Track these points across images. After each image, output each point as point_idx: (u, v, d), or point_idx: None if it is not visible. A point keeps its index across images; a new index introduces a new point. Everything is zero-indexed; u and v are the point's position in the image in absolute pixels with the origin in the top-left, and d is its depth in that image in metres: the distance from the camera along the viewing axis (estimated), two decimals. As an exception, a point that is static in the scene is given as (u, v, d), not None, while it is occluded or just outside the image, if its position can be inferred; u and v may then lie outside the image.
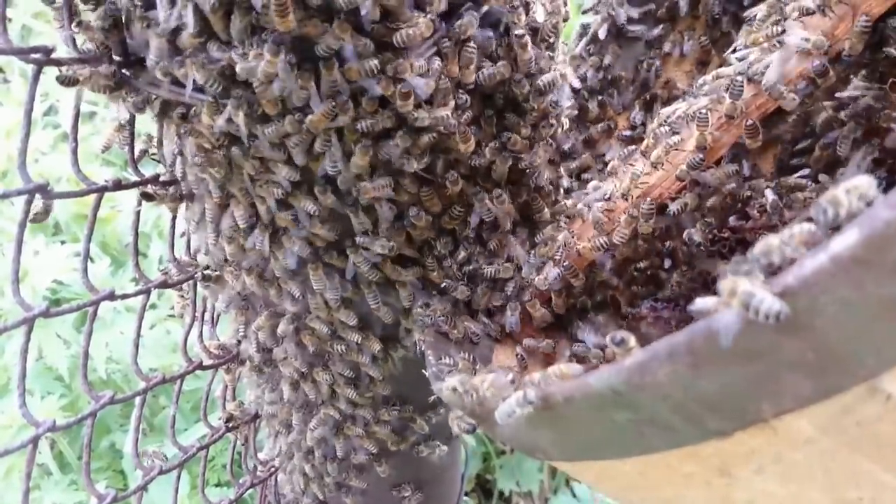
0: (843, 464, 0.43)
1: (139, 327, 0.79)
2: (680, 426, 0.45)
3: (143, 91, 0.63)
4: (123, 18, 0.60)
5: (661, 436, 0.47)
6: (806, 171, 0.72)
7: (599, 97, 0.92)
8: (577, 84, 0.91)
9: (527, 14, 0.64)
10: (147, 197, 0.73)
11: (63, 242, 1.77)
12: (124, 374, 1.68)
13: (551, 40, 0.67)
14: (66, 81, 0.60)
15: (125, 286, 1.65)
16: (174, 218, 0.84)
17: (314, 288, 0.72)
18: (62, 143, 1.94)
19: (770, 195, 0.68)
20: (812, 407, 0.40)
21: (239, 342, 0.86)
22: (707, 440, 0.45)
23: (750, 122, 0.64)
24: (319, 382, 0.81)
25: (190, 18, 0.55)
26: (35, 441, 0.72)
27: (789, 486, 0.46)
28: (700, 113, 0.65)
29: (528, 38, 0.61)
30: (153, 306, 1.74)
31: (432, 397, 0.88)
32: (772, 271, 0.39)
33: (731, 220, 0.74)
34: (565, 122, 0.79)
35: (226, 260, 0.75)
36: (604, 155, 0.91)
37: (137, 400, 0.82)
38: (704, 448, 0.46)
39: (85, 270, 0.72)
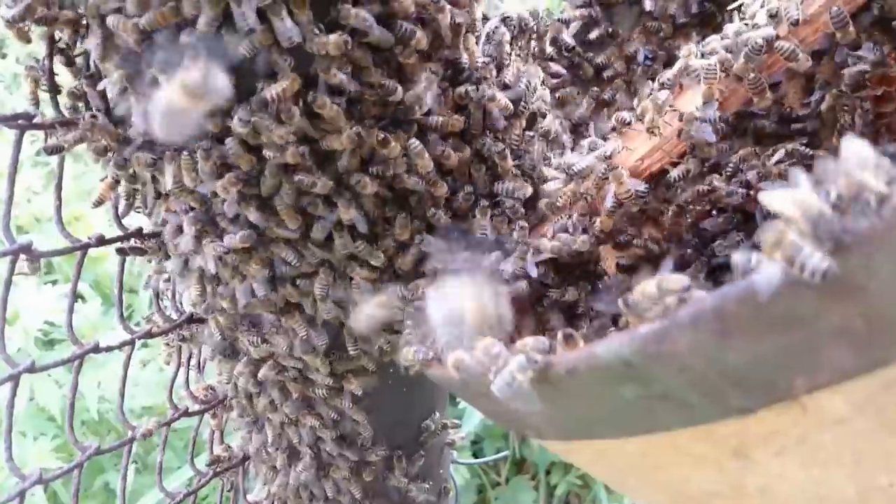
0: (876, 446, 0.39)
1: (125, 377, 0.80)
2: (697, 402, 0.40)
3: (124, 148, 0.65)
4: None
5: (674, 413, 0.42)
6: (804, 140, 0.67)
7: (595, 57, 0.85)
8: (570, 42, 0.85)
9: (499, 72, 0.66)
10: (124, 252, 0.74)
11: (55, 282, 1.77)
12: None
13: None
14: (53, 150, 0.60)
15: (116, 326, 1.65)
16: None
17: (298, 335, 0.73)
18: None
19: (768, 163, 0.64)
20: (850, 382, 0.36)
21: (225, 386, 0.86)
22: (726, 418, 0.40)
23: (753, 75, 0.61)
24: (303, 426, 0.81)
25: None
26: (22, 494, 0.72)
27: (812, 470, 0.41)
28: (708, 67, 0.63)
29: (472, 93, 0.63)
30: (145, 345, 1.74)
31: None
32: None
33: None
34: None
35: (206, 308, 0.76)
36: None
37: (125, 449, 0.82)
38: (722, 427, 0.41)
39: (70, 325, 0.72)
